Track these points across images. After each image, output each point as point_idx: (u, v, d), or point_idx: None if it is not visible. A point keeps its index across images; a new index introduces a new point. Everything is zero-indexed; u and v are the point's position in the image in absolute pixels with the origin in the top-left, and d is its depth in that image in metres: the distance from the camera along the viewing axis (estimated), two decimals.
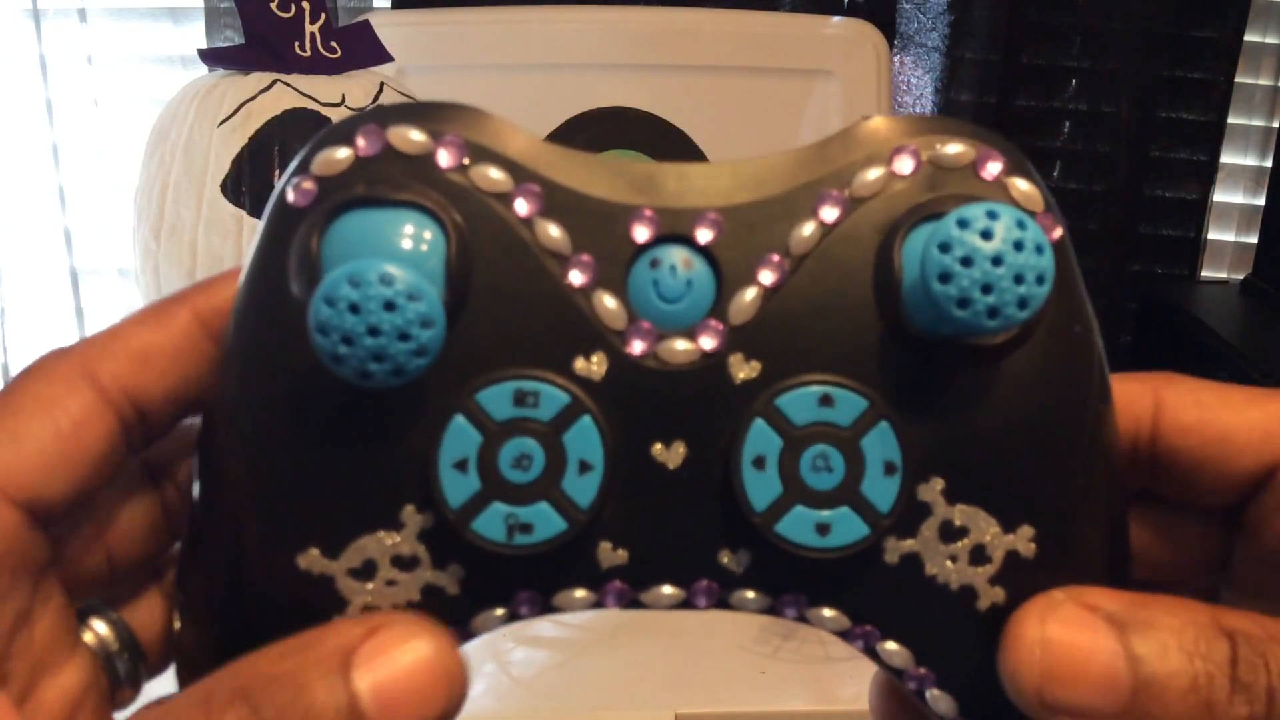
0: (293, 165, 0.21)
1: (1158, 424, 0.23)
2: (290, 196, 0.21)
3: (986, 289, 0.19)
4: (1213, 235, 1.04)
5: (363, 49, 0.73)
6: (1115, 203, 0.98)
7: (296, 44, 0.71)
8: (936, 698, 0.22)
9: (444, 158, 0.21)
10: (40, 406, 0.21)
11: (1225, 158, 1.01)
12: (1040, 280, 0.19)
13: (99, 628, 0.22)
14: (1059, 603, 0.21)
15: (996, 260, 0.19)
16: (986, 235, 0.19)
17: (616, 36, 0.88)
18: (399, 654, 0.20)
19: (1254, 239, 1.03)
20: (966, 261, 0.19)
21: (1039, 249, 0.19)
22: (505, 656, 0.65)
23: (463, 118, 0.21)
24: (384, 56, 0.73)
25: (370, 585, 0.21)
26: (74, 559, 0.22)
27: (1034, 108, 0.98)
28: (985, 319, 0.19)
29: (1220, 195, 1.02)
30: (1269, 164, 1.00)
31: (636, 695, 0.62)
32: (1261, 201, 1.01)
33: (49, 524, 0.21)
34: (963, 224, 0.19)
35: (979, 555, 0.21)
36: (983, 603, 0.21)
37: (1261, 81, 1.02)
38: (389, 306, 0.19)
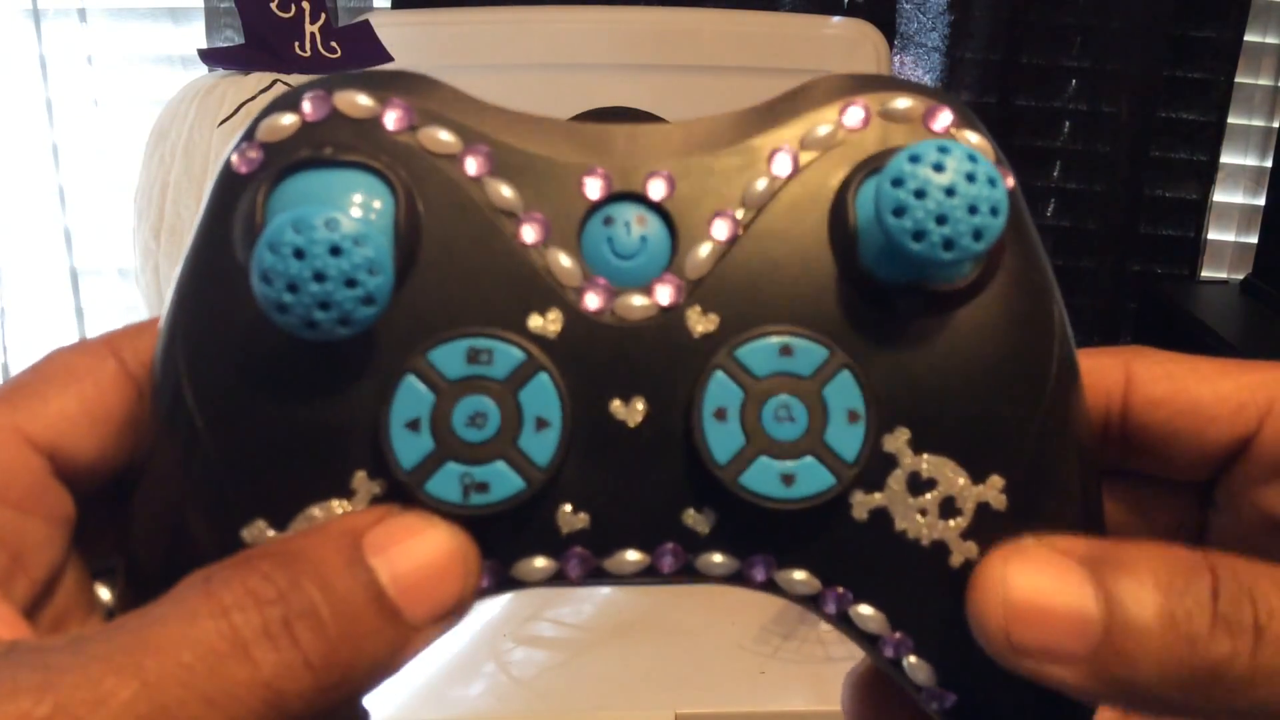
0: (238, 135, 0.21)
1: (1129, 397, 0.23)
2: (235, 163, 0.20)
3: (941, 220, 0.19)
4: (1213, 235, 1.04)
5: (363, 49, 0.73)
6: (1115, 203, 0.98)
7: (296, 44, 0.71)
8: (914, 666, 0.21)
9: (391, 120, 0.20)
10: (66, 370, 0.21)
11: (1225, 158, 1.01)
12: (994, 212, 0.19)
13: (103, 593, 0.22)
14: (1028, 546, 0.20)
15: (950, 191, 0.19)
16: (939, 168, 0.19)
17: (616, 36, 0.88)
18: (415, 542, 0.19)
19: (1254, 239, 1.03)
20: (920, 194, 0.19)
21: (991, 181, 0.19)
22: (505, 656, 0.65)
23: (411, 84, 0.21)
24: (384, 56, 0.73)
25: None
26: (93, 528, 0.22)
27: (1034, 108, 0.98)
28: (941, 250, 0.19)
29: (1220, 195, 1.02)
30: (1269, 164, 1.00)
31: (636, 695, 0.62)
32: (1261, 201, 1.01)
33: (72, 483, 0.21)
34: (914, 159, 0.19)
35: (949, 508, 0.21)
36: (955, 559, 0.21)
37: (1261, 81, 1.02)
38: (335, 251, 0.18)
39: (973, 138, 0.21)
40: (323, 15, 0.71)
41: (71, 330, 0.97)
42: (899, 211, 0.19)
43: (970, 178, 0.19)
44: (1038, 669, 0.20)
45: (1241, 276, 1.02)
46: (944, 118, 0.21)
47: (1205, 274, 1.04)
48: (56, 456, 0.21)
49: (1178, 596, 0.19)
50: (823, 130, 0.21)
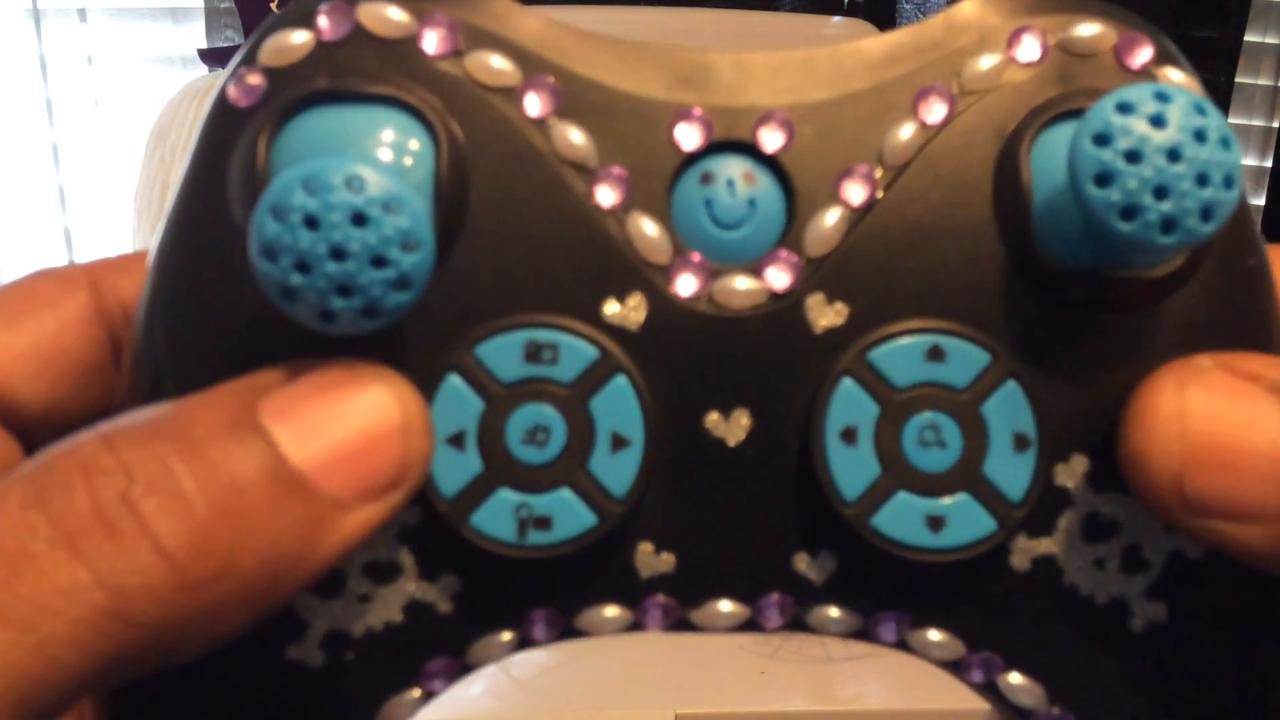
0: (237, 57, 0.16)
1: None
2: (232, 95, 0.16)
3: (1160, 193, 0.14)
4: None
5: None
6: None
7: None
8: None
9: (432, 42, 0.16)
10: (26, 299, 0.18)
11: None
12: (1228, 183, 0.14)
13: None
14: (1204, 369, 0.15)
15: (1173, 155, 0.14)
16: (1158, 122, 0.14)
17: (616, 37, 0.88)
18: (332, 401, 0.14)
19: None
20: (1133, 157, 0.14)
21: (1225, 141, 0.14)
22: None
23: None
24: None
25: (336, 603, 0.16)
26: None
27: None
28: (1158, 233, 0.14)
29: None
30: (1269, 164, 1.00)
31: (636, 695, 0.62)
32: (1261, 201, 1.01)
33: (18, 429, 0.18)
34: (1124, 108, 0.14)
35: (1133, 559, 0.17)
36: (1138, 621, 0.17)
37: (1261, 81, 1.01)
38: (359, 220, 0.14)
39: (1176, 76, 0.16)
40: None
41: None
42: (1104, 179, 0.14)
43: (1199, 136, 0.14)
44: (1212, 530, 0.15)
45: None
46: (1143, 52, 0.16)
47: None
48: None
49: None
50: (986, 64, 0.16)
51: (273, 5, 0.68)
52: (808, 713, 0.61)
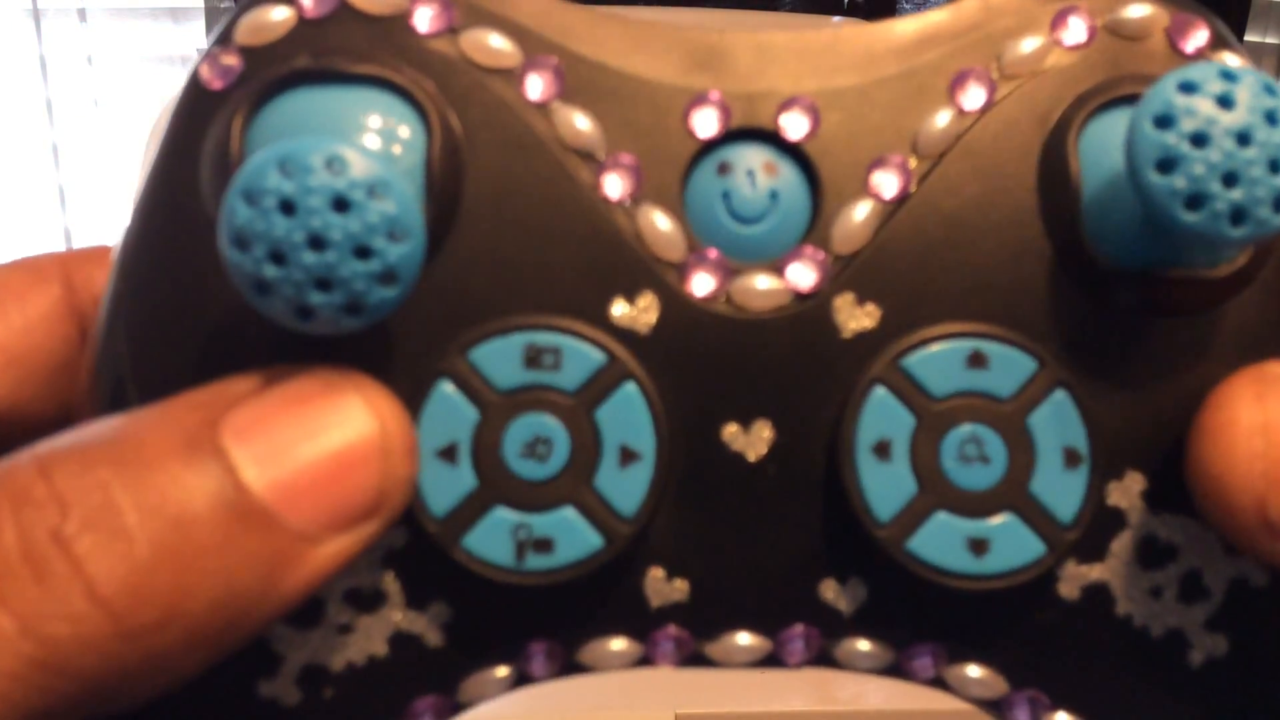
0: (212, 36, 0.15)
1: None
2: (205, 76, 0.15)
3: (1230, 179, 0.13)
4: None
5: None
6: None
7: None
8: None
9: (424, 19, 0.15)
10: None
11: None
12: None
13: None
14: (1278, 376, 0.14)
15: (1243, 138, 0.13)
16: (1225, 102, 0.13)
17: None
18: (303, 418, 0.13)
19: None
20: (1199, 140, 0.13)
21: None
22: None
23: None
24: None
25: (314, 635, 0.15)
26: None
27: None
28: (1226, 225, 0.13)
29: None
30: None
31: (636, 695, 0.62)
32: None
33: None
34: (1188, 88, 0.13)
35: (1193, 587, 0.15)
36: (1196, 656, 0.16)
37: None
38: (340, 205, 0.12)
39: (1234, 63, 0.15)
40: None
41: None
42: (1166, 165, 0.13)
43: (1271, 118, 0.13)
44: None
45: None
46: (1198, 34, 0.15)
47: None
48: None
49: None
50: (1029, 47, 0.15)
51: None
52: (808, 713, 0.61)
